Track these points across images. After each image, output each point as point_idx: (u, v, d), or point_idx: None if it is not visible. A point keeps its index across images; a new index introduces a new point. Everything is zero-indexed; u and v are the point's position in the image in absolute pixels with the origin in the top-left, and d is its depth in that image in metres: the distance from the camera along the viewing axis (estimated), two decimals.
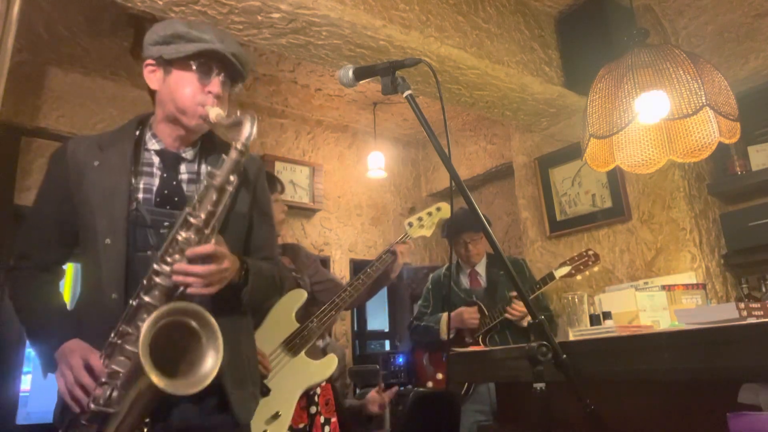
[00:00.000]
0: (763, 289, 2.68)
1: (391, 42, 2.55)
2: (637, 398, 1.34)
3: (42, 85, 3.39)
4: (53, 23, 3.10)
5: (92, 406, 1.10)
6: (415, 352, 3.02)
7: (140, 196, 1.29)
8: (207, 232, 1.16)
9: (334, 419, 2.18)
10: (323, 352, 2.87)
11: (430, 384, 2.86)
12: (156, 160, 1.34)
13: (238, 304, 1.32)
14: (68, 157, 1.31)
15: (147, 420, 1.13)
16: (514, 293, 2.67)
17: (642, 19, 3.12)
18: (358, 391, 3.53)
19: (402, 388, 3.53)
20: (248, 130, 1.19)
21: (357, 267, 4.49)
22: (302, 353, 2.09)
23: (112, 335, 1.15)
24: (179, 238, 1.15)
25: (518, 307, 2.65)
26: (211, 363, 1.10)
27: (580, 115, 2.60)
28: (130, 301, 1.14)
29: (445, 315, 2.85)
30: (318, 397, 2.14)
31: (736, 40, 2.99)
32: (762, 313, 1.38)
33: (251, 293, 1.31)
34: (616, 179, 3.23)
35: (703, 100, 1.97)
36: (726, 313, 1.38)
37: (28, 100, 3.32)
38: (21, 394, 3.22)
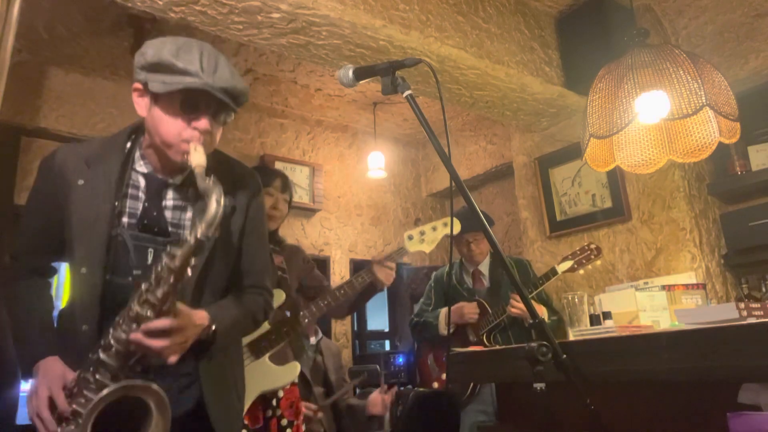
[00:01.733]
0: (763, 289, 2.68)
1: (391, 42, 2.55)
2: (637, 398, 1.34)
3: (42, 85, 3.39)
4: (53, 23, 3.11)
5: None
6: (420, 353, 3.02)
7: (125, 220, 1.26)
8: (164, 309, 1.12)
9: (297, 422, 2.16)
10: (316, 348, 2.87)
11: (435, 385, 2.86)
12: (142, 183, 1.31)
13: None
14: (55, 170, 1.28)
15: None
16: (514, 294, 2.66)
17: (642, 19, 3.12)
18: (358, 390, 3.53)
19: (402, 388, 3.53)
20: (212, 213, 1.09)
21: (357, 267, 4.49)
22: (265, 357, 2.05)
23: (78, 373, 1.16)
24: (135, 311, 1.12)
25: (519, 303, 2.65)
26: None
27: (580, 115, 2.61)
28: (90, 354, 1.14)
29: (444, 310, 2.85)
30: (279, 401, 2.12)
31: (736, 40, 2.99)
32: (762, 313, 1.38)
33: (221, 347, 1.31)
34: (616, 179, 3.23)
35: (703, 100, 1.97)
36: (726, 313, 1.38)
37: (28, 100, 3.32)
38: (21, 394, 3.22)
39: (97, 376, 1.11)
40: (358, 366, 3.96)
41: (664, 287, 2.16)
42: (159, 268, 1.11)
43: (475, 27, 2.84)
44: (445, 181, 4.87)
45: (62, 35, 3.21)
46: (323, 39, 2.49)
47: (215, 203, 1.10)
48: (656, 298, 2.12)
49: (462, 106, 3.24)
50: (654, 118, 2.11)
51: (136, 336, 1.10)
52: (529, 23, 3.14)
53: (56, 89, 3.44)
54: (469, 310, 2.76)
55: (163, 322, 1.11)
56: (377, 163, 4.25)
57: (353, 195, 4.65)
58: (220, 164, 1.36)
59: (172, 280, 1.10)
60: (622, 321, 2.02)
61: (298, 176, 4.26)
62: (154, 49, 1.21)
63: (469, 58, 2.76)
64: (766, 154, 2.89)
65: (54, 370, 1.18)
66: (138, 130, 1.35)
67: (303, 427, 2.23)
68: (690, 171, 3.04)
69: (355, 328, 4.55)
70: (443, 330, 2.79)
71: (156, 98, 1.23)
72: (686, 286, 2.22)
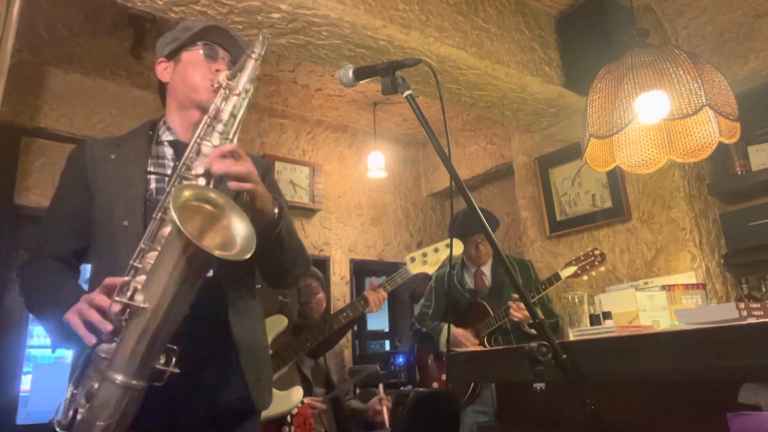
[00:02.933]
0: (763, 289, 2.68)
1: (391, 42, 2.55)
2: (637, 398, 1.34)
3: (42, 85, 3.39)
4: (53, 23, 3.11)
5: (117, 298, 0.99)
6: (420, 353, 3.02)
7: (153, 186, 1.31)
8: (230, 137, 1.19)
9: None
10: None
11: (435, 385, 2.86)
12: (169, 152, 1.37)
13: (252, 281, 1.36)
14: (86, 151, 1.36)
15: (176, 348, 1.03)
16: (514, 296, 2.65)
17: (642, 19, 3.12)
18: (358, 390, 3.53)
19: (402, 388, 3.53)
20: (260, 43, 1.24)
21: (357, 267, 4.50)
22: None
23: (133, 258, 1.10)
24: (201, 144, 1.17)
25: (521, 310, 2.61)
26: (243, 228, 1.05)
27: (580, 115, 2.61)
28: (153, 215, 1.13)
29: (445, 328, 2.83)
30: (293, 418, 2.13)
31: (736, 40, 2.99)
32: (762, 313, 1.38)
33: (288, 230, 1.29)
34: (616, 179, 3.23)
35: (703, 100, 1.97)
36: (726, 313, 1.38)
37: (28, 100, 3.32)
38: (21, 394, 3.22)
39: (148, 257, 1.08)
40: (358, 366, 3.96)
41: (664, 287, 2.16)
42: (217, 99, 1.21)
43: (475, 27, 2.84)
44: (445, 181, 4.87)
45: (62, 35, 3.21)
46: (323, 39, 2.49)
47: (261, 40, 1.25)
48: (656, 298, 2.12)
49: (462, 106, 3.24)
50: (654, 118, 2.11)
51: (212, 157, 1.12)
52: (529, 23, 3.14)
53: (56, 89, 3.44)
54: (465, 339, 2.72)
55: (231, 145, 1.15)
56: (377, 163, 4.25)
57: (353, 195, 4.65)
58: None
59: (236, 101, 1.20)
60: (622, 321, 2.02)
61: (298, 176, 4.26)
62: (170, 32, 1.43)
63: (469, 58, 2.76)
64: (766, 154, 2.89)
65: (88, 295, 1.09)
66: (156, 121, 1.44)
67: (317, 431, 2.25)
68: (690, 171, 3.04)
69: (355, 328, 4.55)
70: (443, 348, 2.77)
71: (179, 56, 1.40)
72: (686, 286, 2.22)
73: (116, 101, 3.61)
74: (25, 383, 3.35)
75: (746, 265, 2.88)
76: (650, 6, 3.20)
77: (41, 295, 1.22)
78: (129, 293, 1.00)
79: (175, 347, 1.03)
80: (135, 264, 1.09)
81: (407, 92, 1.26)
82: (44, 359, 4.70)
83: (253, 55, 1.23)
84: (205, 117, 1.20)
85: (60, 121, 3.41)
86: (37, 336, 4.78)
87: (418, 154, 5.22)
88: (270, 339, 2.12)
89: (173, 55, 1.40)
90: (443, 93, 2.90)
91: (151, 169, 1.32)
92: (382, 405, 2.82)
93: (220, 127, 1.19)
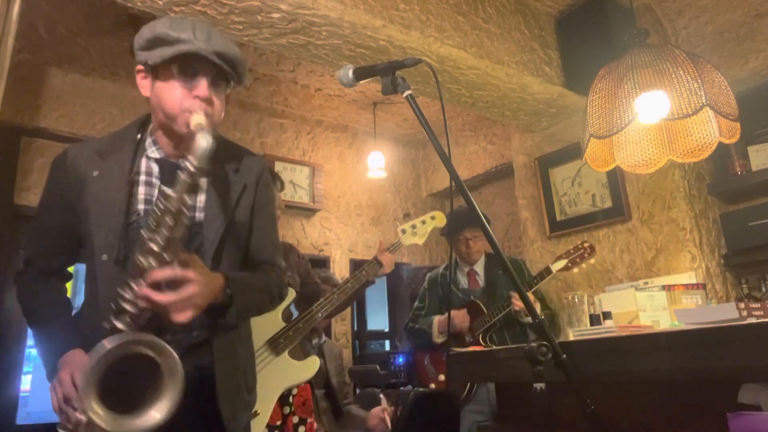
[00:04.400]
0: (763, 289, 2.68)
1: (391, 42, 2.55)
2: (637, 398, 1.34)
3: (42, 85, 3.39)
4: (53, 23, 3.11)
5: (59, 430, 1.10)
6: (416, 354, 3.02)
7: (140, 207, 1.26)
8: (167, 257, 1.09)
9: (310, 419, 2.19)
10: (318, 351, 2.88)
11: (432, 386, 2.86)
12: (155, 169, 1.31)
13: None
14: (68, 165, 1.29)
15: None
16: (513, 292, 2.67)
17: (642, 19, 3.12)
18: (358, 390, 3.53)
19: (402, 389, 3.53)
20: (202, 145, 1.10)
21: (357, 267, 4.49)
22: (285, 353, 2.08)
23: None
24: (139, 262, 1.08)
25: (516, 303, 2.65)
26: (164, 407, 1.05)
27: (580, 115, 2.61)
28: (104, 324, 1.09)
29: (436, 318, 2.85)
30: (293, 398, 2.14)
31: (736, 40, 2.99)
32: (762, 313, 1.38)
33: (239, 314, 1.26)
34: (616, 179, 3.23)
35: (703, 100, 1.97)
36: (726, 313, 1.38)
37: (28, 100, 3.32)
38: (21, 394, 3.22)
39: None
40: (358, 366, 3.96)
41: (664, 287, 2.16)
42: (156, 212, 1.08)
43: (475, 27, 2.84)
44: (445, 181, 4.87)
45: (62, 35, 3.21)
46: (323, 39, 2.49)
47: (204, 139, 1.11)
48: (656, 298, 2.12)
49: (462, 106, 3.24)
50: (654, 118, 2.11)
51: (143, 290, 1.06)
52: (529, 23, 3.14)
53: (56, 89, 3.44)
54: (459, 319, 2.76)
55: (164, 272, 1.07)
56: (377, 163, 4.25)
57: (353, 195, 4.65)
58: (226, 148, 1.38)
59: (171, 222, 1.07)
60: (622, 321, 2.02)
61: (298, 176, 4.26)
62: (148, 27, 1.25)
63: (469, 58, 2.76)
64: (766, 154, 2.89)
65: (77, 359, 1.16)
66: (147, 120, 1.37)
67: (315, 425, 2.25)
68: (690, 171, 3.04)
69: (355, 328, 4.55)
70: (437, 339, 2.79)
71: (156, 73, 1.25)
72: (686, 286, 2.22)
73: (116, 101, 3.61)
74: (25, 383, 3.35)
75: (746, 265, 2.88)
76: (650, 6, 3.20)
77: (34, 327, 1.30)
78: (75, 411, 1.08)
79: None
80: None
81: (407, 92, 1.26)
82: None
83: (189, 166, 1.10)
84: (143, 232, 1.10)
85: (60, 121, 3.41)
86: None
87: (418, 154, 5.22)
88: (279, 313, 2.14)
89: (149, 68, 1.26)
90: (443, 93, 2.90)
91: (133, 189, 1.27)
92: (385, 414, 2.83)
93: (158, 246, 1.08)
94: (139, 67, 1.29)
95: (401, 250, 2.54)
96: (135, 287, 1.07)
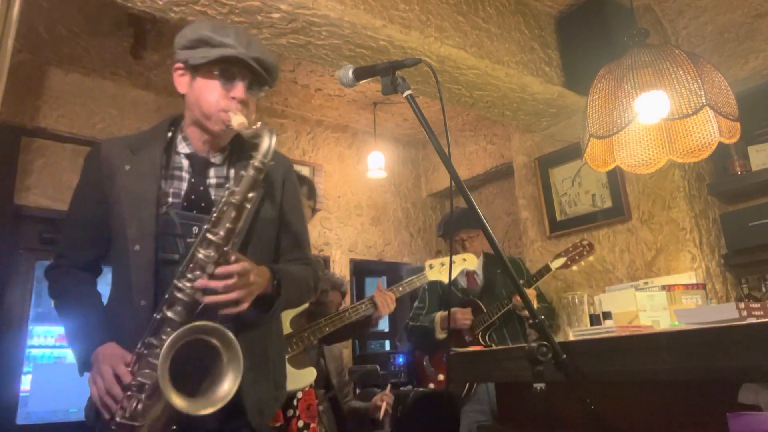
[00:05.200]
0: (763, 289, 2.68)
1: (391, 42, 2.55)
2: (637, 398, 1.34)
3: (42, 85, 3.39)
4: (53, 23, 3.11)
5: (118, 419, 1.11)
6: (416, 354, 3.02)
7: (170, 200, 1.31)
8: (227, 248, 1.16)
9: (313, 424, 2.19)
10: (319, 351, 2.89)
11: (432, 386, 2.86)
12: (185, 163, 1.36)
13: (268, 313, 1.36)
14: (101, 159, 1.34)
15: (174, 427, 1.14)
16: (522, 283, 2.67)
17: (642, 19, 3.12)
18: (358, 390, 3.53)
19: (402, 388, 3.53)
20: (266, 145, 1.18)
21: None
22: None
23: (139, 346, 1.16)
24: (199, 255, 1.14)
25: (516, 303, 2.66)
26: (228, 385, 1.11)
27: (580, 115, 2.61)
28: (154, 315, 1.15)
29: (438, 314, 2.85)
30: (298, 401, 2.14)
31: (736, 40, 2.99)
32: (762, 313, 1.38)
33: (285, 303, 1.31)
34: (616, 179, 3.23)
35: (703, 100, 1.97)
36: (726, 313, 1.38)
37: (28, 100, 3.32)
38: (21, 394, 3.22)
39: (163, 337, 1.11)
40: (358, 366, 3.96)
41: (664, 287, 2.16)
42: (220, 206, 1.16)
43: (475, 27, 2.84)
44: (445, 181, 4.87)
45: (62, 35, 3.21)
46: (323, 39, 2.49)
47: (268, 139, 1.18)
48: (656, 298, 2.12)
49: (462, 106, 3.24)
50: (654, 118, 2.11)
51: (202, 281, 1.12)
52: (529, 23, 3.14)
53: (56, 89, 3.44)
54: (462, 315, 2.77)
55: (234, 266, 1.14)
56: (377, 163, 4.25)
57: (353, 195, 4.65)
58: (251, 150, 1.43)
59: (233, 214, 1.14)
60: (622, 321, 2.02)
61: None
62: (191, 29, 1.33)
63: (469, 58, 2.76)
64: (766, 154, 2.89)
65: (113, 352, 1.19)
66: (177, 119, 1.42)
67: (318, 430, 2.25)
68: (690, 171, 3.04)
69: None
70: (439, 335, 2.79)
71: (196, 72, 1.32)
72: (686, 286, 2.22)
73: (116, 101, 3.61)
74: (25, 383, 3.35)
75: (746, 265, 2.88)
76: (650, 6, 3.20)
77: (66, 322, 1.32)
78: (123, 395, 1.12)
79: None
80: (148, 340, 1.15)
81: (407, 92, 1.26)
82: (44, 359, 4.69)
83: (256, 163, 1.17)
84: (204, 225, 1.17)
85: (60, 121, 3.41)
86: (37, 336, 4.78)
87: (418, 154, 5.22)
88: (288, 320, 2.14)
89: (189, 67, 1.33)
90: (443, 93, 2.90)
91: (164, 183, 1.32)
92: (383, 401, 2.82)
93: (218, 237, 1.15)
94: (179, 65, 1.35)
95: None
96: (191, 279, 1.13)
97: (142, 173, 1.31)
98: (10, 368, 3.14)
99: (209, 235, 1.15)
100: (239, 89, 1.29)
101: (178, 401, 1.04)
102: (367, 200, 4.73)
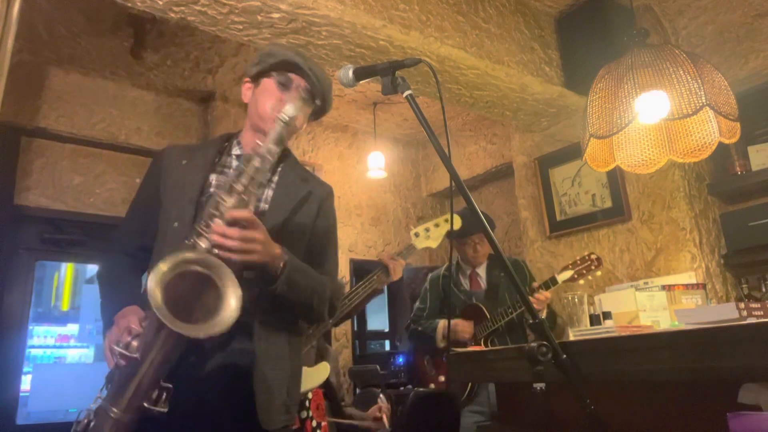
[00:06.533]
0: (763, 289, 2.69)
1: (391, 42, 2.55)
2: (637, 398, 1.34)
3: (42, 85, 3.39)
4: (53, 23, 3.11)
5: (116, 347, 1.13)
6: (416, 355, 3.01)
7: (212, 190, 1.38)
8: (246, 198, 1.21)
9: (324, 423, 2.19)
10: (318, 353, 2.89)
11: (432, 386, 2.85)
12: (234, 163, 1.46)
13: (294, 322, 1.39)
14: (164, 157, 1.48)
15: (169, 386, 1.14)
16: (536, 284, 2.63)
17: (642, 19, 3.12)
18: (358, 390, 3.53)
19: (402, 388, 3.53)
20: (291, 105, 1.27)
21: (357, 267, 4.50)
22: None
23: None
24: (219, 200, 1.20)
25: (540, 297, 2.58)
26: (234, 304, 1.12)
27: (580, 115, 2.61)
28: (185, 240, 1.20)
29: (441, 322, 2.82)
30: (309, 402, 2.14)
31: (736, 40, 2.99)
32: (762, 313, 1.38)
33: (287, 285, 1.29)
34: (616, 179, 3.23)
35: (703, 100, 1.97)
36: (726, 313, 1.38)
37: (28, 100, 3.32)
38: (21, 394, 3.22)
39: None
40: (358, 366, 3.96)
41: (664, 287, 2.17)
42: (243, 159, 1.24)
43: (475, 27, 2.84)
44: (445, 181, 4.87)
45: (62, 35, 3.21)
46: (323, 39, 2.49)
47: (296, 100, 1.30)
48: (656, 298, 2.12)
49: (462, 106, 3.24)
50: (654, 118, 2.11)
51: (218, 228, 1.17)
52: (529, 23, 3.14)
53: (56, 89, 3.44)
54: (462, 328, 2.73)
55: (243, 212, 1.18)
56: (377, 163, 4.25)
57: (353, 195, 4.65)
58: (298, 163, 1.56)
59: (257, 164, 1.21)
60: (622, 321, 2.02)
61: None
62: (265, 49, 1.52)
63: (469, 58, 2.76)
64: (766, 154, 2.89)
65: (131, 310, 1.23)
66: (233, 135, 1.55)
67: (328, 429, 2.25)
68: (690, 171, 3.04)
69: (355, 328, 4.55)
70: (440, 344, 2.77)
71: (258, 81, 1.48)
72: (686, 286, 2.22)
73: (116, 101, 3.61)
74: (25, 383, 3.35)
75: (746, 265, 2.88)
76: (650, 6, 3.20)
77: (103, 291, 1.40)
78: (130, 339, 1.14)
79: (170, 385, 1.13)
80: None
81: (407, 92, 1.26)
82: (44, 359, 4.69)
83: (281, 116, 1.25)
84: (230, 174, 1.24)
85: (60, 121, 3.41)
86: (37, 336, 4.78)
87: (418, 154, 5.22)
88: None
89: (255, 79, 1.47)
90: (443, 93, 2.90)
91: (212, 176, 1.41)
92: (382, 413, 2.82)
93: (239, 186, 1.21)
94: (246, 79, 1.52)
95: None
96: (209, 224, 1.19)
97: (195, 166, 1.42)
98: (10, 368, 3.14)
99: (233, 185, 1.20)
100: (294, 94, 1.41)
101: (181, 326, 1.05)
102: (367, 200, 4.73)
